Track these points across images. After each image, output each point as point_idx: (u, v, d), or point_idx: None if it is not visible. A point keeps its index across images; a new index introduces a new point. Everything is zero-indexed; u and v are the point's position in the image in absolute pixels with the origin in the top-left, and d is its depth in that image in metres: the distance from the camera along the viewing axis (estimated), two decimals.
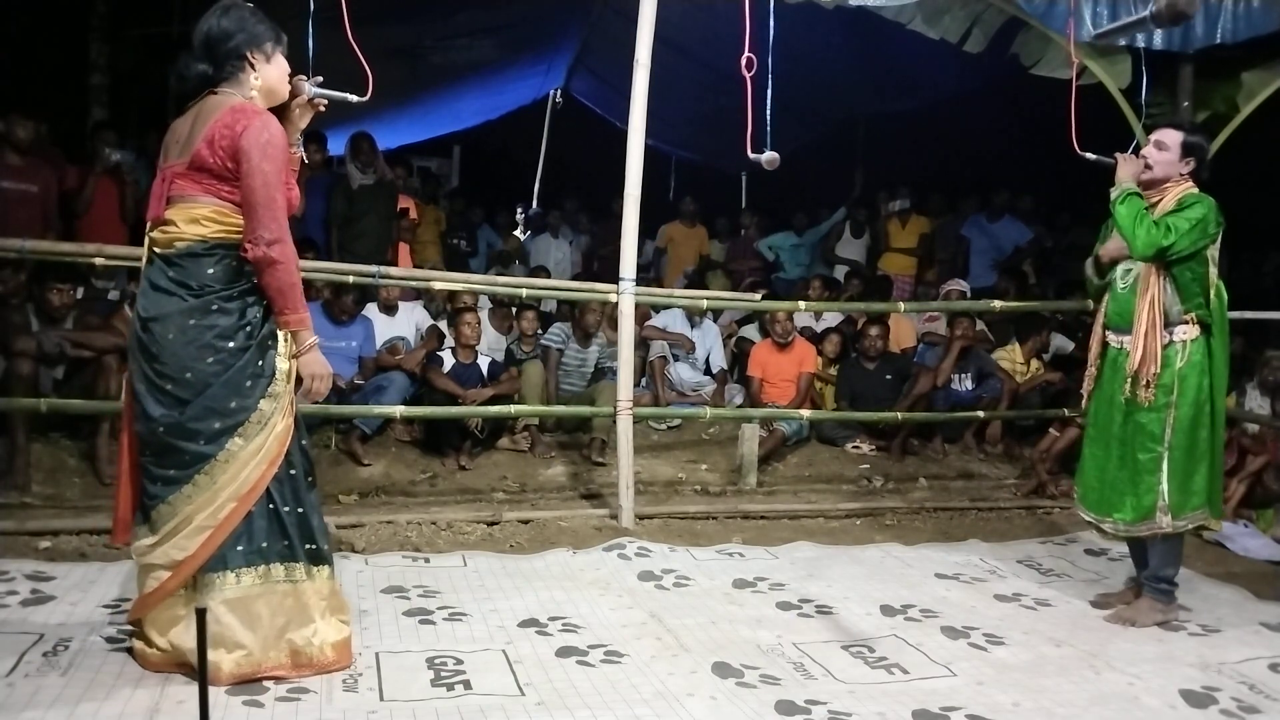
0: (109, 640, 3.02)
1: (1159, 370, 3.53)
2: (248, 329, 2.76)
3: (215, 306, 2.72)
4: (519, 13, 7.36)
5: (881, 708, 2.84)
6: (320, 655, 2.86)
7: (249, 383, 2.75)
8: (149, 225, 2.81)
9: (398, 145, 10.08)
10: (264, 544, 2.79)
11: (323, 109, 2.95)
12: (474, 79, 9.04)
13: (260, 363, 2.77)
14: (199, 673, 1.87)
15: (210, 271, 2.72)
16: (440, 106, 9.98)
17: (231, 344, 2.73)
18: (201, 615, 1.81)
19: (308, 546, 2.85)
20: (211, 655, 2.68)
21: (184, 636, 2.74)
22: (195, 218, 2.72)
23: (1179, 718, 2.89)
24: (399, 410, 5.13)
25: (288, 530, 2.81)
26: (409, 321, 6.31)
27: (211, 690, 2.41)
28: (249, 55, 2.77)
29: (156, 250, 2.77)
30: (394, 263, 6.82)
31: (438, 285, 5.40)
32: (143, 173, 6.10)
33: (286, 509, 2.82)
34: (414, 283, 5.84)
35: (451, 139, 12.26)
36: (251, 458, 2.75)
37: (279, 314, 2.76)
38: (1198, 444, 3.54)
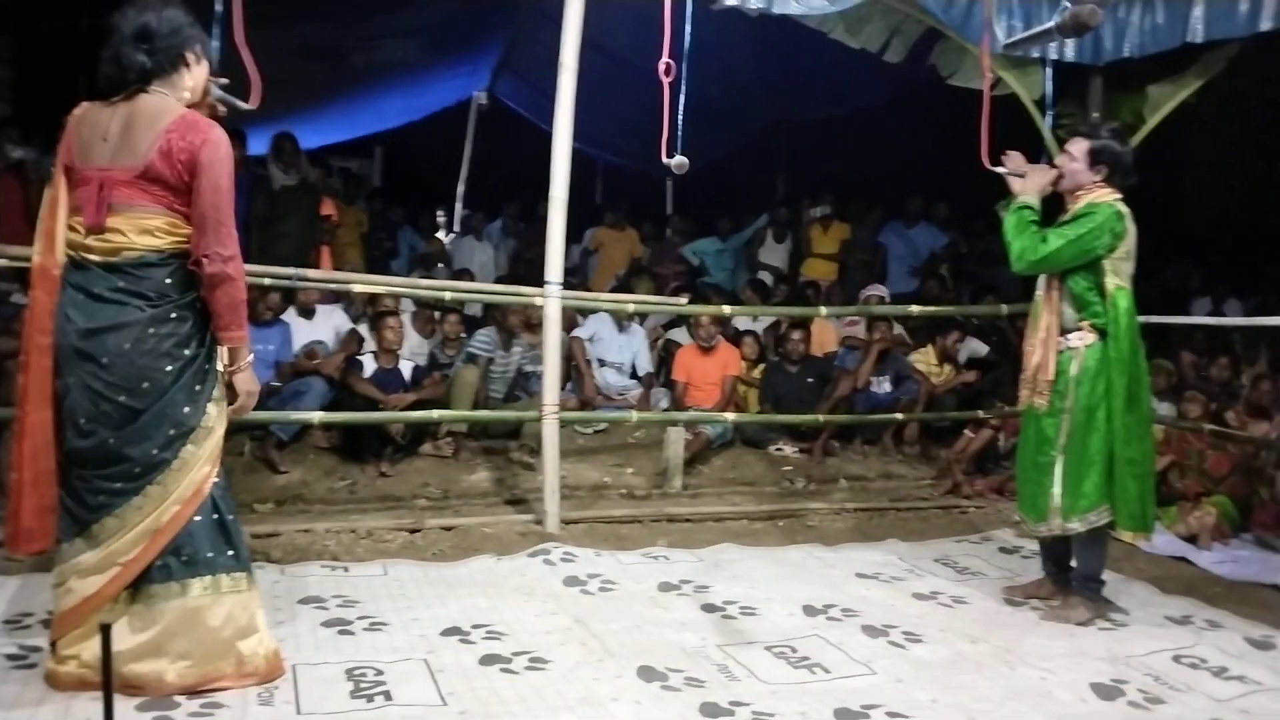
0: (9, 658, 2.89)
1: (1052, 377, 3.61)
2: (200, 335, 2.75)
3: (174, 314, 2.69)
4: (443, 14, 7.28)
5: (804, 707, 2.87)
6: (264, 664, 2.82)
7: (198, 388, 2.74)
8: (82, 232, 2.68)
9: (319, 145, 9.89)
10: (210, 554, 2.74)
11: (222, 113, 2.91)
12: (397, 79, 8.92)
13: (207, 368, 2.76)
14: (103, 687, 1.81)
15: (168, 281, 2.68)
16: (363, 106, 9.82)
17: (187, 351, 2.71)
18: (106, 630, 1.75)
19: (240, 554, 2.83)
20: (155, 665, 2.68)
21: (118, 643, 2.64)
22: (148, 229, 2.65)
23: (1089, 710, 2.98)
24: (317, 416, 5.03)
25: (233, 539, 2.78)
26: (328, 325, 6.19)
27: (119, 706, 2.32)
28: (187, 54, 2.72)
29: (93, 258, 2.67)
30: (315, 265, 6.68)
31: (358, 288, 5.31)
32: (48, 171, 5.87)
33: (231, 517, 2.80)
34: (335, 285, 5.73)
35: (374, 139, 12.07)
36: (202, 464, 2.73)
37: (223, 330, 2.73)
38: (1089, 448, 3.59)
